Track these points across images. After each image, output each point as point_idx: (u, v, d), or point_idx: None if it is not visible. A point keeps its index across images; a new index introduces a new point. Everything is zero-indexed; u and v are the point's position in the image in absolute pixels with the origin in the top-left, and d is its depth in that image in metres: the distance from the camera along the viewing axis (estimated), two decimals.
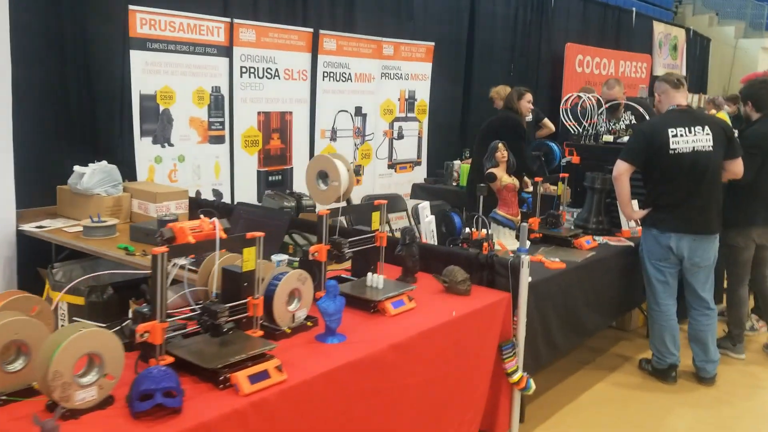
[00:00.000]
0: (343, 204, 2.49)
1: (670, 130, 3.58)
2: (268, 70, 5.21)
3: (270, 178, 5.33)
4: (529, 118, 5.66)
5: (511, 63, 8.21)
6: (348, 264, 2.77)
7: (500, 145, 3.59)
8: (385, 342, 2.18)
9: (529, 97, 5.17)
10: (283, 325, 2.16)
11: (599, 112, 4.51)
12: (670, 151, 3.56)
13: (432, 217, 3.21)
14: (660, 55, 12.06)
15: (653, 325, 3.85)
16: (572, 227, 4.12)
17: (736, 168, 3.72)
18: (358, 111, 6.06)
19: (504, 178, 3.57)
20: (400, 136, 6.62)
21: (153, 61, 4.47)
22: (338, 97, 5.81)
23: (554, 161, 3.82)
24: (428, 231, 3.17)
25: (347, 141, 5.99)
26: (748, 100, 4.16)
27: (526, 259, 2.73)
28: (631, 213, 3.79)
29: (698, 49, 14.54)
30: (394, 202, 4.94)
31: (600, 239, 3.91)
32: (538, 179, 3.70)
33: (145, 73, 4.43)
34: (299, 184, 5.56)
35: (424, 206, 3.21)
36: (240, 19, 4.96)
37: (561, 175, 3.92)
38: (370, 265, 2.70)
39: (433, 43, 6.76)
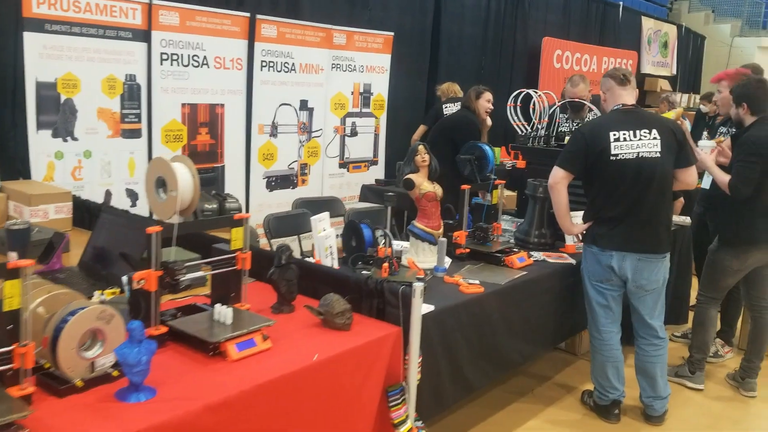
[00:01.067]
0: (181, 220, 2.03)
1: (611, 134, 3.12)
2: (195, 58, 4.74)
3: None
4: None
5: (482, 57, 7.73)
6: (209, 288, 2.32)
7: (420, 147, 3.13)
8: (204, 399, 1.73)
9: (488, 96, 4.71)
10: (74, 376, 1.71)
11: (551, 111, 4.05)
12: (611, 158, 3.10)
13: (328, 232, 2.75)
14: (649, 52, 11.57)
15: (595, 355, 3.39)
16: (512, 241, 3.66)
17: (689, 178, 3.26)
18: (304, 105, 5.60)
19: (424, 185, 3.11)
20: (354, 133, 6.16)
21: (53, 45, 4.00)
22: (280, 89, 5.35)
23: (488, 166, 3.35)
24: (322, 248, 2.71)
25: (291, 137, 5.53)
26: (743, 102, 3.67)
27: (418, 287, 2.27)
28: (570, 226, 3.32)
29: (691, 47, 14.05)
30: (328, 207, 4.46)
31: (538, 255, 3.46)
32: (465, 187, 3.24)
33: (43, 59, 3.97)
34: (234, 184, 5.11)
35: (320, 219, 2.75)
36: (161, 0, 4.49)
37: (496, 181, 3.46)
38: (230, 292, 2.25)
39: (392, 34, 6.29)
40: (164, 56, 4.56)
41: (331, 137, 5.91)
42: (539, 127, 4.01)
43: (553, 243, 3.67)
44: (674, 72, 12.53)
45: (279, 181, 5.48)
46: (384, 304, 2.36)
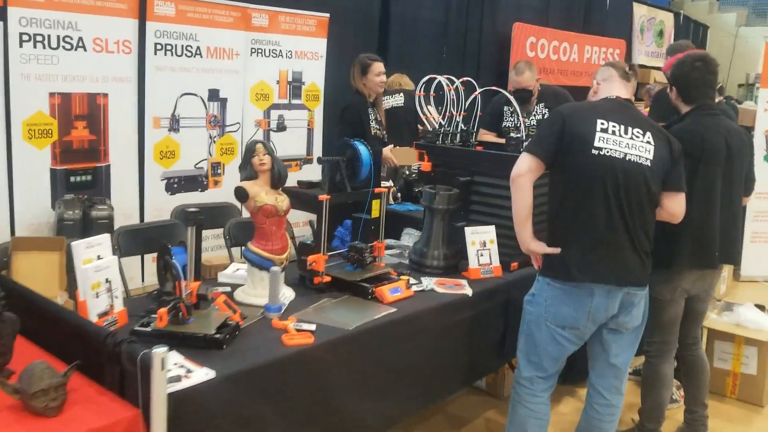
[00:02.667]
0: None
1: (599, 121, 2.45)
2: (67, 39, 4.04)
3: (73, 179, 4.17)
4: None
5: (443, 45, 6.97)
6: None
7: (259, 146, 2.41)
8: None
9: (378, 68, 3.92)
10: None
11: (468, 101, 3.31)
12: (593, 150, 2.40)
13: (104, 262, 2.04)
14: (641, 42, 10.74)
15: (516, 407, 2.67)
16: (404, 262, 2.95)
17: (677, 207, 2.56)
18: (214, 95, 4.88)
19: (261, 196, 2.39)
20: (282, 128, 5.44)
21: None
22: (181, 77, 4.64)
23: (361, 170, 2.63)
24: (88, 285, 2.00)
25: (197, 132, 4.82)
26: (673, 85, 2.93)
27: (158, 354, 1.56)
28: (529, 240, 2.54)
29: (692, 37, 13.17)
30: (219, 216, 3.76)
31: (429, 283, 2.73)
32: (324, 197, 2.51)
33: None
34: (124, 186, 4.43)
35: (90, 243, 2.04)
36: None
37: (376, 189, 2.73)
38: None
39: (327, 15, 5.56)
40: (25, 37, 3.86)
41: (252, 132, 5.20)
42: (458, 121, 3.27)
43: (456, 265, 2.95)
44: None
45: (183, 183, 4.78)
46: (124, 375, 1.66)
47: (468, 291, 2.70)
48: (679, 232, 2.78)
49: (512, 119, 4.53)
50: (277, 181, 2.43)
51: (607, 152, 2.42)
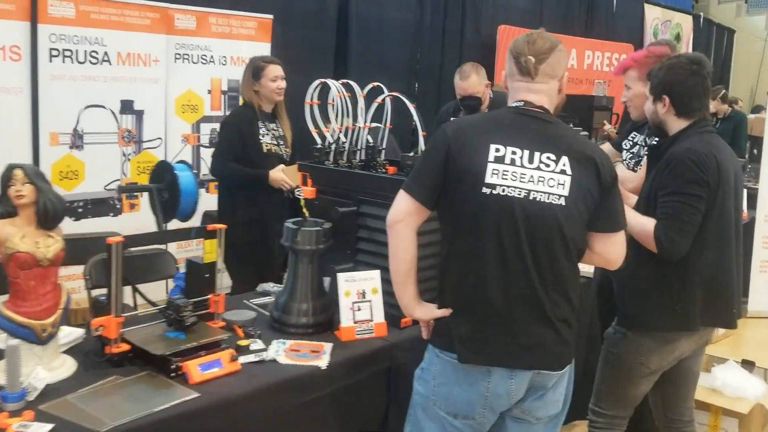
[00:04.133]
0: None
1: (494, 146, 1.77)
2: None
3: None
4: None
5: (416, 49, 6.32)
6: None
7: (17, 172, 1.79)
8: None
9: (273, 72, 3.27)
10: None
11: (371, 110, 2.64)
12: (484, 189, 1.75)
13: None
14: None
15: None
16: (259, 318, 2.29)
17: (610, 251, 1.88)
18: (128, 107, 4.31)
19: (13, 240, 1.76)
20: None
21: None
22: (84, 87, 4.08)
23: (180, 201, 1.99)
24: None
25: (107, 149, 4.24)
26: (663, 94, 2.21)
27: None
28: (412, 304, 1.89)
29: (715, 41, 12.27)
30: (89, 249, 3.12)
31: (277, 350, 2.07)
32: (113, 240, 1.87)
33: None
34: None
35: None
36: None
37: (209, 227, 2.08)
38: None
39: (270, 16, 4.97)
40: None
41: (178, 148, 4.62)
42: (340, 135, 2.61)
43: (329, 322, 2.28)
44: None
45: (90, 208, 4.20)
46: None
47: (322, 361, 2.02)
48: (691, 289, 2.13)
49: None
50: (44, 219, 1.80)
51: (503, 190, 1.74)
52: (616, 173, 1.86)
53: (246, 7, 4.87)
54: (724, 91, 7.06)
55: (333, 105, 2.62)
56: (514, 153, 1.77)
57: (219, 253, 2.10)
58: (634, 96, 2.66)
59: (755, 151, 6.03)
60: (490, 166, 1.75)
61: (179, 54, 4.52)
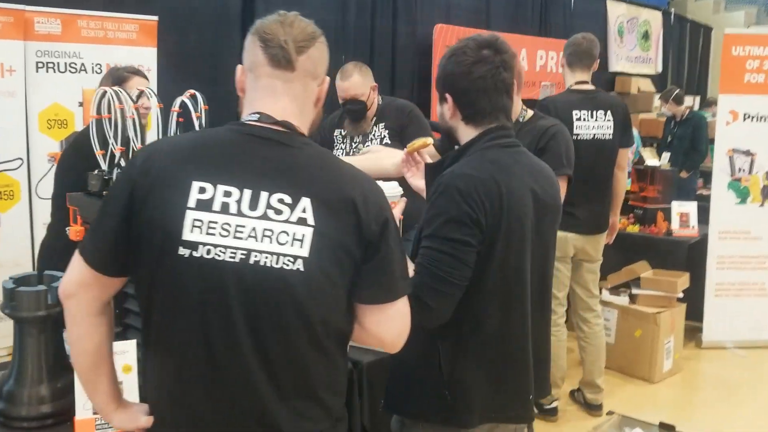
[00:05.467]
0: None
1: (198, 184, 1.26)
2: None
3: None
4: None
5: (341, 51, 5.77)
6: None
7: None
8: None
9: (137, 84, 2.75)
10: None
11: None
12: (181, 250, 1.25)
13: None
14: (621, 45, 9.37)
15: None
16: None
17: (387, 329, 1.38)
18: None
19: None
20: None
21: None
22: None
23: None
24: None
25: None
26: (446, 92, 1.65)
27: None
28: (109, 408, 1.38)
29: (690, 39, 11.77)
30: None
31: None
32: None
33: None
34: None
35: None
36: None
37: None
38: None
39: (155, 18, 4.42)
40: None
41: (44, 169, 4.07)
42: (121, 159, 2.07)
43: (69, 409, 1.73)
44: (659, 69, 10.26)
45: None
46: None
47: None
48: (459, 361, 1.56)
49: (343, 146, 3.31)
50: None
51: (208, 252, 1.21)
52: (386, 218, 1.30)
53: (124, 8, 4.32)
54: (677, 90, 6.51)
55: (111, 118, 2.09)
56: (227, 194, 1.23)
57: None
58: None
59: None
60: (190, 215, 1.21)
61: (42, 63, 3.98)
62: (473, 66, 1.55)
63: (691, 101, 8.35)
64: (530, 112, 2.30)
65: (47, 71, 4.02)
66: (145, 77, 2.93)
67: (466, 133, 1.61)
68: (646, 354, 3.92)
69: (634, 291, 4.06)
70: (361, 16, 5.87)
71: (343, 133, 3.32)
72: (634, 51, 9.74)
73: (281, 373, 1.23)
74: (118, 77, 2.78)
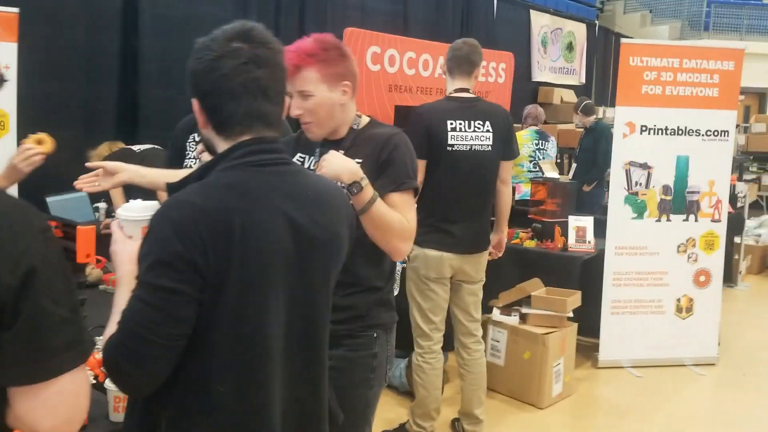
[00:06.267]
0: None
1: None
2: None
3: None
4: None
5: None
6: None
7: None
8: None
9: None
10: None
11: None
12: None
13: None
14: (544, 56, 9.37)
15: None
16: None
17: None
18: None
19: None
20: None
21: None
22: None
23: None
24: None
25: None
26: (194, 96, 1.34)
27: None
28: None
29: (614, 51, 11.91)
30: None
31: None
32: None
33: None
34: None
35: None
36: None
37: None
38: None
39: (15, 10, 4.02)
40: None
41: None
42: None
43: None
44: (583, 80, 10.33)
45: None
46: None
47: None
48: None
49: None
50: None
51: None
52: (32, 267, 0.98)
53: None
54: (586, 101, 6.43)
55: None
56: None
57: None
58: (317, 105, 1.87)
59: None
60: None
61: None
62: (217, 62, 1.26)
63: (602, 113, 8.34)
64: (365, 119, 2.02)
65: None
66: None
67: (221, 147, 1.34)
68: (535, 377, 3.74)
69: (524, 310, 3.88)
70: (261, 16, 5.58)
71: (198, 140, 3.02)
72: (558, 62, 9.76)
73: None
74: None
